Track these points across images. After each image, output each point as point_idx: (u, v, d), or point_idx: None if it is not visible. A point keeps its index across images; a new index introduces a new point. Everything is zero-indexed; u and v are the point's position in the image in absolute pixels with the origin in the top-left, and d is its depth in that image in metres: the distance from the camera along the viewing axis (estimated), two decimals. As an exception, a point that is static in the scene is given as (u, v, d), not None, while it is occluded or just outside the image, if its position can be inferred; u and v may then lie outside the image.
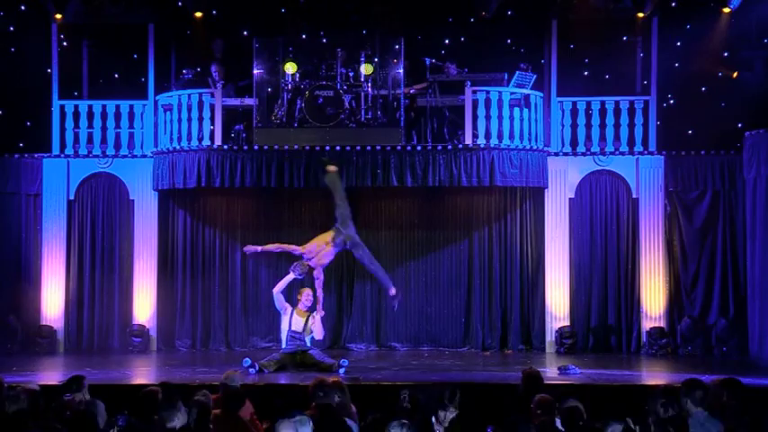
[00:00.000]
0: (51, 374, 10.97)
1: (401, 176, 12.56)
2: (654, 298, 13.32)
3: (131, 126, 13.69)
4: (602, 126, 13.45)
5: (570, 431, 5.85)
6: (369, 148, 12.51)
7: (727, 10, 13.32)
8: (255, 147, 12.60)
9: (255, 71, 12.89)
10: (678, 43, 13.74)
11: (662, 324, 13.25)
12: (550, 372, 10.78)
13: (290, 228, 13.78)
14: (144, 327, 13.51)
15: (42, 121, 13.82)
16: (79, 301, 13.66)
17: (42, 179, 13.65)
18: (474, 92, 12.72)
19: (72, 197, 13.70)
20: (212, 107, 12.85)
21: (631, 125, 13.43)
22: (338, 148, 12.51)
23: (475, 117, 12.70)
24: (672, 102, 13.86)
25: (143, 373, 11.46)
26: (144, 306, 13.59)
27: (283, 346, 11.11)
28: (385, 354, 13.34)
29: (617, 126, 13.42)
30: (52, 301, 13.58)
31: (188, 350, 13.60)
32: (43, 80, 13.77)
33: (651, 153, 13.42)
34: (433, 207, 13.93)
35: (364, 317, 13.83)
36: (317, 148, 12.49)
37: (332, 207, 13.59)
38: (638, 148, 13.42)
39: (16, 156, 13.80)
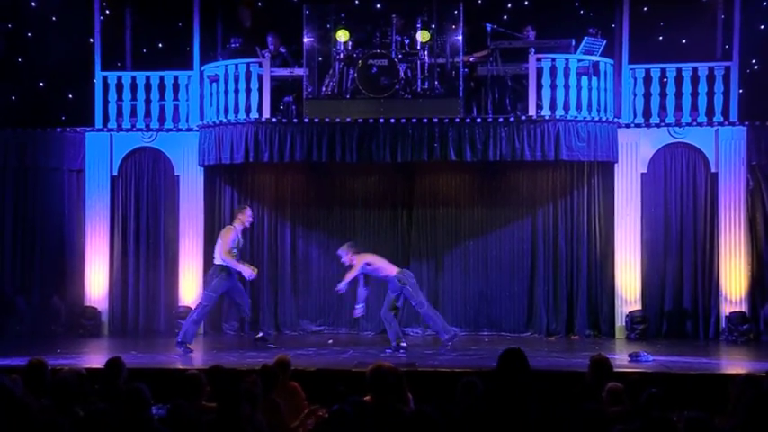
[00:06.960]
0: (96, 357, 10.78)
1: (460, 151, 12.20)
2: (734, 280, 12.87)
3: (176, 98, 13.41)
4: (678, 95, 12.93)
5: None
6: (425, 120, 12.19)
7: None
8: (305, 119, 12.34)
9: (305, 39, 12.56)
10: (764, 2, 13.20)
11: (743, 308, 12.78)
12: (620, 359, 10.48)
13: (341, 205, 13.66)
14: (190, 308, 13.12)
15: (84, 93, 13.61)
16: (123, 282, 13.49)
17: (85, 154, 13.47)
18: (538, 59, 12.34)
19: (115, 173, 13.49)
20: (260, 78, 12.55)
21: (710, 94, 12.87)
22: (393, 120, 12.20)
23: (539, 87, 12.32)
24: (756, 67, 13.35)
25: (189, 358, 11.10)
26: (190, 287, 13.27)
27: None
28: (443, 338, 13.01)
29: (694, 95, 12.90)
30: (96, 282, 13.38)
31: (235, 333, 13.39)
32: (85, 50, 13.50)
33: (732, 124, 12.88)
34: (493, 183, 13.60)
35: (421, 300, 13.50)
36: (371, 120, 12.20)
37: (384, 184, 13.57)
38: (718, 118, 12.88)
39: (58, 129, 13.63)
